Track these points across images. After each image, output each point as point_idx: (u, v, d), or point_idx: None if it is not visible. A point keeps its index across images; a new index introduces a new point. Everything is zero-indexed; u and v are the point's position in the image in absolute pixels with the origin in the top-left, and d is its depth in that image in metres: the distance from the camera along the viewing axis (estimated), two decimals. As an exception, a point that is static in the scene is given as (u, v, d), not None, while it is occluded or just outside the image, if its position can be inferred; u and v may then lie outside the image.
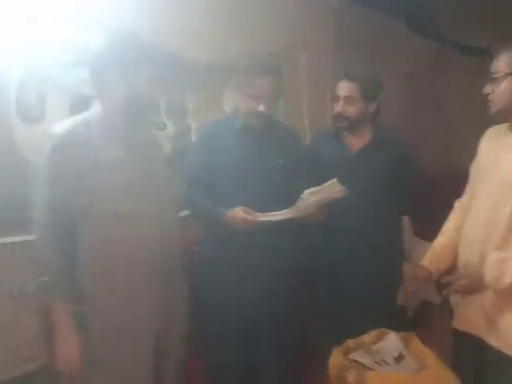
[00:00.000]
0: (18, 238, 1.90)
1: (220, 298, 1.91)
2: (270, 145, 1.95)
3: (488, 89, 1.55)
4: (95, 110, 1.56)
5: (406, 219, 3.14)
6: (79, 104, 2.01)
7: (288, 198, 1.81)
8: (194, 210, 1.98)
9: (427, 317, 2.57)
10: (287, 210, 1.77)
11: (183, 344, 1.72)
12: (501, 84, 1.51)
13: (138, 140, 1.58)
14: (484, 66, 1.62)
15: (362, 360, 1.65)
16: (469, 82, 3.04)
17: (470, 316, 1.65)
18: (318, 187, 1.76)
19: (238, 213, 1.77)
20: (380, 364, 1.67)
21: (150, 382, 1.56)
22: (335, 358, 1.66)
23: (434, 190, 2.99)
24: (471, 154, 1.76)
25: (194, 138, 2.53)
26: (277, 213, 1.78)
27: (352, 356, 1.69)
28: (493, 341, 1.56)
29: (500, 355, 1.53)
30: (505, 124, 1.62)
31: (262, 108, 1.85)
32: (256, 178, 1.89)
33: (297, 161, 2.00)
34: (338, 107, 2.11)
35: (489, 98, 1.55)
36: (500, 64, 1.52)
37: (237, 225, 1.78)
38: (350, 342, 1.77)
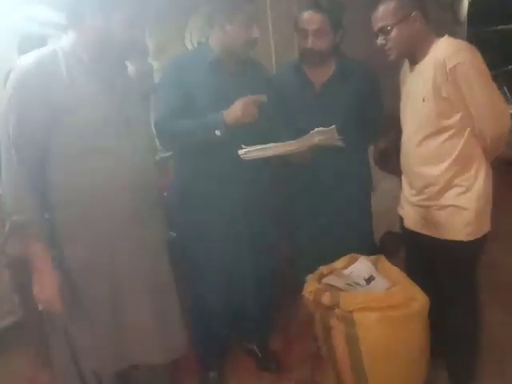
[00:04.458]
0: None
1: (202, 232, 1.91)
2: (243, 81, 1.88)
3: (381, 41, 1.65)
4: (64, 42, 1.45)
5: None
6: (28, 45, 1.91)
7: (262, 136, 1.78)
8: (177, 134, 1.83)
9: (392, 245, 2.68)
10: (292, 142, 1.75)
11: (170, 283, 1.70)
12: (392, 33, 1.61)
13: (112, 78, 1.50)
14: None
15: (335, 283, 1.75)
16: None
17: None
18: (326, 128, 1.74)
19: (238, 103, 1.73)
20: (352, 286, 1.77)
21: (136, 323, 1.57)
22: (310, 284, 1.75)
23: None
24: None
25: (158, 77, 2.42)
26: (278, 144, 1.74)
27: (325, 280, 1.78)
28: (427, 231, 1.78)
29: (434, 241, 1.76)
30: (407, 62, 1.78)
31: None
32: None
33: (269, 98, 1.88)
34: (308, 43, 1.91)
35: (385, 48, 1.66)
36: (384, 16, 1.61)
37: (237, 116, 1.72)
38: (323, 269, 1.87)
